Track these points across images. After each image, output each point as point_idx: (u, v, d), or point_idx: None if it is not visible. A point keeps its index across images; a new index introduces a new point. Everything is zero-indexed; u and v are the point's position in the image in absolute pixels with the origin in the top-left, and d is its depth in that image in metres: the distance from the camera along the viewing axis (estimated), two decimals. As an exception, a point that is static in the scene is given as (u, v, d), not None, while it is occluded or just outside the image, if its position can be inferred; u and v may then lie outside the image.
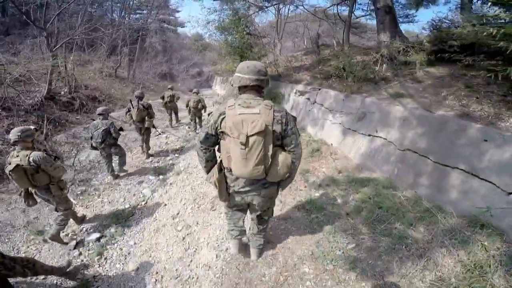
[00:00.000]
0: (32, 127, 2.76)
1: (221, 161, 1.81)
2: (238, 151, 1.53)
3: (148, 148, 6.04)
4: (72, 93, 9.50)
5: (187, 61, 23.51)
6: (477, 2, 6.15)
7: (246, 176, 1.62)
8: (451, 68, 4.69)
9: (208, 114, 1.76)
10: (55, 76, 9.74)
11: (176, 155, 6.66)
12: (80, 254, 3.14)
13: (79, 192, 4.93)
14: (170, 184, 5.12)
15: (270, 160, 1.59)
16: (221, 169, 1.78)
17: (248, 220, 2.48)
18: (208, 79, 22.86)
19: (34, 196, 2.87)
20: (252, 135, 1.50)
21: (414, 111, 3.79)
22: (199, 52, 22.17)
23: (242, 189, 1.78)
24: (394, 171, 3.71)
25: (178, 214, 4.01)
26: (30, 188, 2.80)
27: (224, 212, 2.51)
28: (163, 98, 8.65)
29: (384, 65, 5.32)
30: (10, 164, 2.52)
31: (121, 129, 4.64)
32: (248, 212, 2.25)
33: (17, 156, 2.55)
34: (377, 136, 4.25)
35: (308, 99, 6.29)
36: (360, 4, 10.88)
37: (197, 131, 7.75)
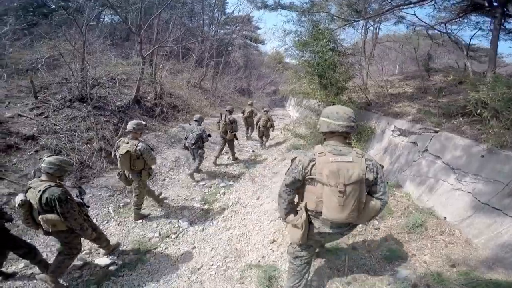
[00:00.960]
0: (143, 122, 3.38)
1: (305, 203, 1.77)
2: (335, 199, 1.55)
3: (233, 154, 6.79)
4: (156, 99, 10.10)
5: (265, 78, 23.73)
6: None
7: (340, 221, 1.63)
8: None
9: (292, 160, 1.75)
10: (147, 81, 10.80)
11: (231, 182, 5.85)
12: (80, 277, 2.85)
13: (122, 204, 4.62)
14: (211, 219, 4.25)
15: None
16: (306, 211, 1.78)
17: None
18: (282, 98, 22.31)
19: (127, 177, 3.46)
20: (350, 183, 1.52)
21: None
22: (277, 70, 22.06)
23: (327, 231, 1.78)
24: None
25: (199, 269, 3.06)
26: (126, 171, 3.38)
27: (288, 267, 2.21)
28: (243, 112, 9.15)
29: None
30: (119, 148, 3.18)
31: (209, 135, 5.34)
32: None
33: (127, 143, 3.15)
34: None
35: (414, 143, 4.46)
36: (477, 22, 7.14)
37: (262, 147, 8.19)
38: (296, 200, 1.89)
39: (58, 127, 5.61)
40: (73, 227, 2.36)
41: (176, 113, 10.67)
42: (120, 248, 3.38)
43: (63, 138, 5.35)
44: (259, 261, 2.96)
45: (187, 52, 17.31)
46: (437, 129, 4.08)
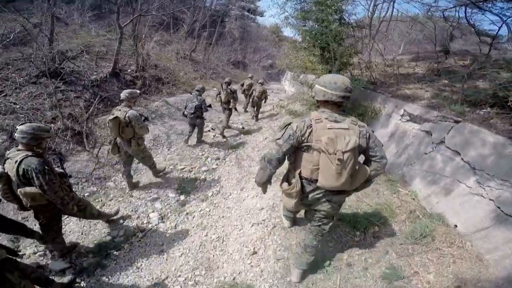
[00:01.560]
0: (138, 91, 3.36)
1: (299, 171, 1.72)
2: (333, 166, 1.52)
3: (225, 126, 6.68)
4: (138, 71, 9.13)
5: (262, 51, 22.24)
6: None
7: (335, 188, 1.61)
8: None
9: (287, 125, 1.67)
10: (129, 53, 9.71)
11: (215, 166, 5.23)
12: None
13: (87, 194, 4.00)
14: (186, 214, 3.67)
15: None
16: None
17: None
18: (279, 72, 21.15)
19: (118, 146, 3.42)
20: (347, 151, 1.50)
21: None
22: (275, 44, 20.66)
23: (318, 196, 1.76)
24: None
25: (164, 280, 2.57)
26: (117, 139, 3.34)
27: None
28: (242, 85, 9.12)
29: None
30: (113, 114, 3.12)
31: (210, 106, 5.43)
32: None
33: (119, 110, 3.14)
34: None
35: (428, 133, 3.78)
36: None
37: (254, 119, 8.24)
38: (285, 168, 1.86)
39: (18, 106, 4.97)
40: (53, 201, 2.15)
41: (161, 86, 9.79)
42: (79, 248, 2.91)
43: (22, 118, 4.71)
44: (234, 278, 2.41)
45: (178, 22, 15.85)
46: (459, 119, 3.38)
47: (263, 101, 8.06)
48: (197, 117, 5.29)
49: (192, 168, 5.12)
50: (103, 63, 8.36)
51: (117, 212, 3.38)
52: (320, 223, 1.93)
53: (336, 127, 1.55)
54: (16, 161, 1.97)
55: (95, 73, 7.36)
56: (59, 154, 2.64)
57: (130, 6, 9.92)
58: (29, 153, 2.03)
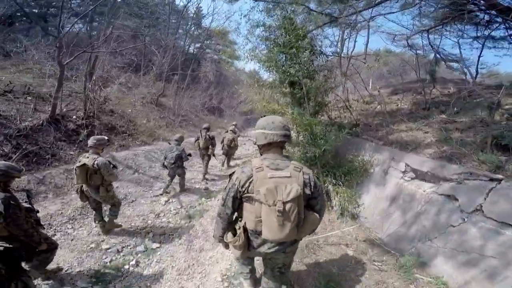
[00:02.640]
0: (106, 137, 3.35)
1: (244, 222, 1.63)
2: (274, 218, 1.42)
3: (206, 172, 6.38)
4: (85, 119, 7.80)
5: (240, 96, 22.11)
6: None
7: (281, 240, 1.49)
8: None
9: (230, 175, 1.63)
10: (79, 96, 8.53)
11: (156, 244, 3.69)
12: None
13: None
14: None
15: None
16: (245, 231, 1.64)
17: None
18: (259, 117, 20.53)
19: (85, 193, 3.32)
20: (288, 201, 1.41)
21: None
22: (254, 88, 20.43)
23: (268, 251, 1.62)
24: None
25: None
26: (84, 187, 3.26)
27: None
28: (222, 141, 7.86)
29: None
30: (80, 162, 3.09)
31: (189, 154, 5.27)
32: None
33: (87, 157, 3.12)
34: None
35: (450, 197, 2.56)
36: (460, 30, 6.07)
37: (223, 167, 7.74)
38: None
39: None
40: (16, 234, 2.12)
41: (113, 136, 8.36)
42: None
43: None
44: None
45: (148, 64, 15.25)
46: (498, 176, 2.20)
47: (234, 149, 7.68)
48: (178, 167, 5.10)
49: (123, 247, 3.53)
50: (46, 107, 6.91)
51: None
52: (279, 272, 1.83)
53: (277, 175, 1.46)
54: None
55: (29, 118, 6.03)
56: (27, 190, 2.53)
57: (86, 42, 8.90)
58: None
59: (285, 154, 1.60)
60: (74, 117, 7.81)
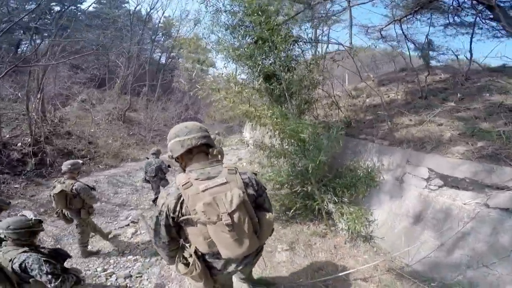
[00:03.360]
0: (80, 161, 3.38)
1: (194, 248, 1.36)
2: (226, 234, 1.21)
3: None
4: (32, 145, 6.60)
5: (219, 104, 21.06)
6: None
7: (244, 255, 1.28)
8: None
9: (154, 201, 1.75)
10: (21, 119, 7.29)
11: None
12: None
13: None
14: None
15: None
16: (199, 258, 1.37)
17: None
18: (240, 123, 19.66)
19: (66, 216, 3.25)
20: (234, 210, 1.21)
21: None
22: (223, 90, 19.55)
23: (237, 268, 1.41)
24: None
25: None
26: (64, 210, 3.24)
27: None
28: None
29: None
30: (55, 188, 3.06)
31: (169, 166, 5.21)
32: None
33: (63, 183, 3.07)
34: None
35: (509, 211, 1.82)
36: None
37: None
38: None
39: None
40: None
41: (71, 162, 7.11)
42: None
43: None
44: None
45: (113, 78, 14.00)
46: None
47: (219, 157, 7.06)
48: (160, 179, 5.05)
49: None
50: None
51: None
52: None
53: (212, 185, 1.24)
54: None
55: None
56: None
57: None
58: None
59: (215, 159, 1.39)
60: (19, 144, 6.60)
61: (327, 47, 10.93)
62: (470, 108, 3.13)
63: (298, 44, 3.25)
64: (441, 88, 4.69)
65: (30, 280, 1.67)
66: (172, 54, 18.28)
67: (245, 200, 1.27)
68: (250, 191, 1.35)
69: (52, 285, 1.66)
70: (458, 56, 4.76)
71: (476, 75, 4.74)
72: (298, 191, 3.01)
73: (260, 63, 2.88)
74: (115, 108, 11.77)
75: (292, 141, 2.87)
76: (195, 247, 1.33)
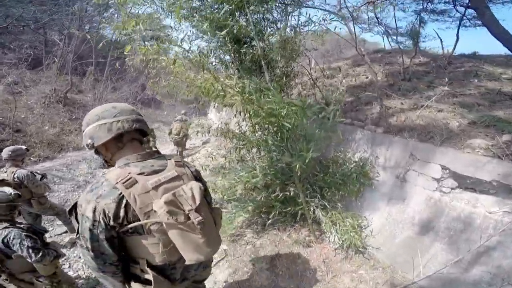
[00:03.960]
0: (23, 147, 3.05)
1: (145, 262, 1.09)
2: (195, 235, 1.00)
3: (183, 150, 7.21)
4: None
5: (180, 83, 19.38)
6: None
7: (214, 254, 1.12)
8: None
9: (71, 211, 1.02)
10: None
11: None
12: None
13: None
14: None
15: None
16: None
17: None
18: (204, 104, 18.27)
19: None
20: (201, 205, 1.02)
21: None
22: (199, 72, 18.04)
23: (201, 273, 1.28)
24: None
25: None
26: None
27: None
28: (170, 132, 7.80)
29: None
30: None
31: None
32: None
33: (5, 172, 2.89)
34: None
35: None
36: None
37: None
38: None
39: None
40: None
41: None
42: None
43: None
44: None
45: (51, 56, 11.80)
46: None
47: (184, 138, 7.38)
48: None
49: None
50: None
51: None
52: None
53: (164, 179, 1.01)
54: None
55: None
56: None
57: None
58: None
59: (154, 150, 1.16)
60: None
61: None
62: (465, 94, 2.77)
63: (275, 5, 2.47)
64: (423, 71, 4.40)
65: (13, 255, 1.72)
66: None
67: (204, 194, 1.12)
68: (202, 183, 1.18)
69: (33, 259, 1.69)
70: (441, 42, 4.43)
71: (456, 60, 4.55)
72: (277, 193, 2.40)
73: (227, 26, 2.06)
74: (53, 90, 9.88)
75: (270, 127, 2.20)
76: (146, 261, 1.07)
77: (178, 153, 7.40)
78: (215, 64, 2.47)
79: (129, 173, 0.97)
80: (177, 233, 0.98)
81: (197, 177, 1.18)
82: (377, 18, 5.76)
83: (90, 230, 0.94)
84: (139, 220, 0.96)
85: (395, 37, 6.64)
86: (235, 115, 2.60)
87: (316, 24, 2.77)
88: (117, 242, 1.02)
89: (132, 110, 1.10)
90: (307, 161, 1.83)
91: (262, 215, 2.86)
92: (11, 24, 9.35)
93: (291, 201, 2.41)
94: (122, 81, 13.81)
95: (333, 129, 2.08)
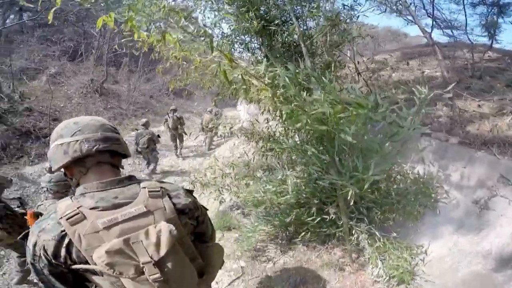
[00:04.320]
0: (8, 177, 3.05)
1: None
2: None
3: (181, 147, 7.09)
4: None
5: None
6: None
7: None
8: None
9: (23, 238, 0.93)
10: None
11: None
12: None
13: None
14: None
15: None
16: None
17: None
18: (224, 97, 17.83)
19: None
20: (166, 255, 0.78)
21: None
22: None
23: None
24: None
25: None
26: None
27: None
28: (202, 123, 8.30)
29: None
30: None
31: (159, 136, 5.63)
32: None
33: None
34: None
35: None
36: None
37: (178, 156, 7.25)
38: None
39: None
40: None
41: (29, 144, 6.08)
42: None
43: None
44: None
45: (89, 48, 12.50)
46: None
47: (213, 132, 7.29)
48: (152, 150, 5.37)
49: None
50: None
51: None
52: None
53: (121, 218, 0.79)
54: None
55: None
56: (19, 198, 2.61)
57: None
58: None
59: (129, 174, 0.92)
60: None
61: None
62: None
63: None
64: (496, 68, 3.61)
65: None
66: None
67: (181, 233, 0.84)
68: (190, 220, 0.92)
69: None
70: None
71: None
72: (312, 212, 1.97)
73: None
74: (90, 81, 10.39)
75: (312, 134, 1.74)
76: None
77: (206, 144, 7.81)
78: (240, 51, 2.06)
79: (79, 207, 0.81)
80: (130, 283, 0.80)
81: (185, 210, 0.91)
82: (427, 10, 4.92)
83: (32, 263, 0.84)
84: (87, 262, 0.81)
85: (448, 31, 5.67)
86: (262, 112, 2.20)
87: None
88: (71, 277, 0.86)
89: (100, 126, 0.90)
90: (365, 186, 1.35)
91: (289, 228, 2.46)
92: (54, 18, 10.03)
93: (330, 222, 1.97)
94: (155, 72, 14.21)
95: (409, 142, 1.53)
